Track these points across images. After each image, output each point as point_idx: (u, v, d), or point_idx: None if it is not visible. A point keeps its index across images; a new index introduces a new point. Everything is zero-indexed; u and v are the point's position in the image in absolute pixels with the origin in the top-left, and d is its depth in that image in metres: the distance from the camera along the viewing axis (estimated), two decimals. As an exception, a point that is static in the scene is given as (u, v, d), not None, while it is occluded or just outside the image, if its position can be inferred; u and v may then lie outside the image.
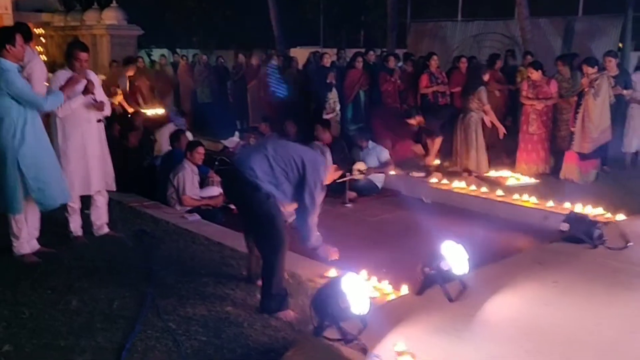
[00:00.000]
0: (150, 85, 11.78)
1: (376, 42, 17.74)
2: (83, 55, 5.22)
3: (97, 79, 5.61)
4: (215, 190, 6.94)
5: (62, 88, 4.98)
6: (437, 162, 8.57)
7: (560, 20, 15.89)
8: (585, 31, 15.54)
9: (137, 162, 7.76)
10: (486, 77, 8.39)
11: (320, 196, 4.12)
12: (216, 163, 7.29)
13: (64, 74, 5.17)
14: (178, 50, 18.64)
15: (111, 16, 15.42)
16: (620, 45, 15.30)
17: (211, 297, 4.18)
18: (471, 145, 8.12)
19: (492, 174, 8.25)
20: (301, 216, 4.14)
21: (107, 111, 5.51)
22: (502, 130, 8.32)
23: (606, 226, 5.36)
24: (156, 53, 19.61)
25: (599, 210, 6.27)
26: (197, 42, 20.48)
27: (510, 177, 8.21)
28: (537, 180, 8.05)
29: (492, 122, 8.29)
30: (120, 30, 15.44)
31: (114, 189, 5.83)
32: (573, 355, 3.27)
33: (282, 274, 4.11)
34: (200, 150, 6.70)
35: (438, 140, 8.30)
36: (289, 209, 4.20)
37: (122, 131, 8.32)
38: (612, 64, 8.42)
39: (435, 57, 9.86)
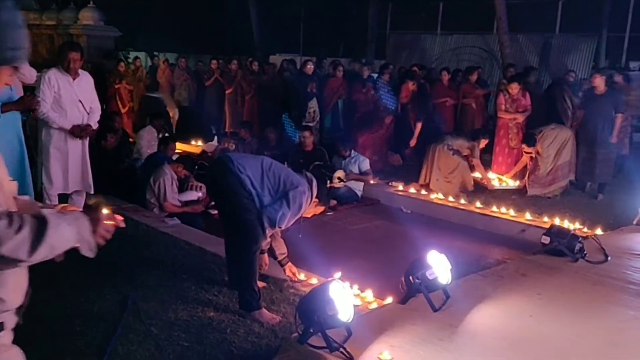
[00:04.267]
0: (130, 89, 11.68)
1: (355, 52, 17.80)
2: (74, 55, 5.18)
3: (90, 80, 5.55)
4: (194, 194, 6.90)
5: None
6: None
7: (538, 36, 16.17)
8: (562, 48, 15.85)
9: (115, 164, 7.63)
10: (482, 144, 8.29)
11: (291, 222, 4.15)
12: (196, 167, 7.20)
13: (55, 74, 5.13)
14: (158, 53, 18.47)
15: (88, 16, 15.20)
16: (594, 63, 15.62)
17: (193, 302, 4.12)
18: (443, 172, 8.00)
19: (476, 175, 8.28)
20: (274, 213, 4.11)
21: (94, 119, 5.49)
22: (491, 186, 8.22)
23: (586, 240, 5.43)
24: (133, 56, 19.43)
25: (577, 225, 6.35)
26: (176, 46, 20.34)
27: (495, 179, 8.37)
28: (519, 183, 8.18)
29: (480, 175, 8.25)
30: (97, 31, 15.23)
31: (92, 192, 5.74)
32: (557, 367, 3.29)
33: (256, 271, 4.10)
34: (181, 169, 6.66)
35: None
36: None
37: (99, 133, 8.19)
38: (597, 81, 8.05)
39: (416, 69, 9.97)
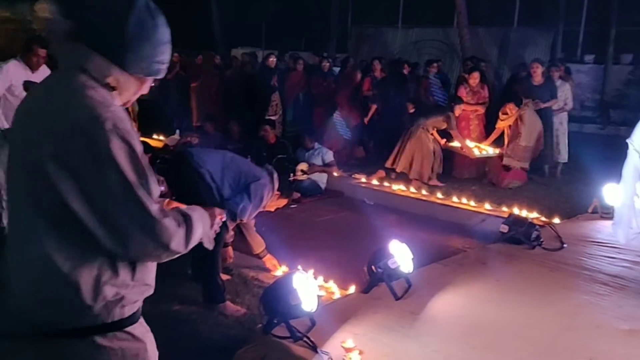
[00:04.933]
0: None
1: (318, 45, 17.84)
2: (41, 51, 5.13)
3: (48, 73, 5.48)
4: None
5: None
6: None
7: (497, 30, 16.45)
8: (520, 42, 16.17)
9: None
10: (457, 112, 8.36)
11: (253, 214, 4.18)
12: (158, 161, 7.12)
13: (15, 66, 5.05)
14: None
15: (43, 9, 14.86)
16: (551, 57, 15.97)
17: (158, 296, 4.06)
18: (419, 153, 8.13)
19: (455, 145, 8.41)
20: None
21: None
22: (472, 154, 8.36)
23: (543, 228, 5.57)
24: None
25: (535, 214, 6.50)
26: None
27: (474, 147, 8.45)
28: (499, 150, 8.25)
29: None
30: (54, 24, 14.90)
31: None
32: (515, 350, 3.38)
33: (219, 264, 4.11)
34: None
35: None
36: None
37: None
38: (537, 72, 8.50)
39: (377, 62, 10.04)
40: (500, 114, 8.11)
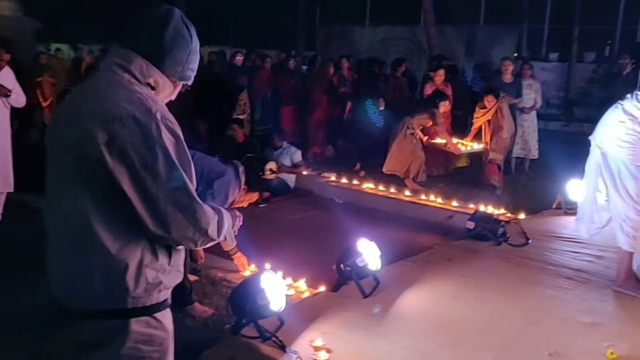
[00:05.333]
0: (53, 83, 11.26)
1: (286, 43, 17.80)
2: (6, 56, 5.07)
3: (10, 73, 5.42)
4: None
5: None
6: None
7: (464, 28, 16.62)
8: (486, 40, 16.37)
9: (38, 160, 7.37)
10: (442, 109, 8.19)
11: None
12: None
13: None
14: (82, 45, 17.87)
15: (4, 7, 14.56)
16: (516, 55, 16.19)
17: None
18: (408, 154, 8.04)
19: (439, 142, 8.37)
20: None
21: (19, 102, 5.34)
22: (458, 150, 8.34)
23: (508, 224, 5.66)
24: (54, 47, 18.72)
25: (501, 210, 6.59)
26: (101, 37, 19.68)
27: (458, 143, 8.40)
28: (483, 145, 8.17)
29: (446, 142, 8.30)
30: (14, 22, 14.60)
31: (12, 190, 5.55)
32: (482, 345, 3.43)
33: (186, 264, 4.08)
34: None
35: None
36: None
37: (21, 128, 7.91)
38: (508, 69, 8.59)
39: (344, 60, 10.08)
40: (477, 108, 8.10)
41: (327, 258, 4.47)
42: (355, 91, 9.57)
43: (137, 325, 1.75)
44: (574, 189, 5.92)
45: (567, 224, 5.90)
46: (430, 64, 10.55)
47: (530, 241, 5.37)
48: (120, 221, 1.69)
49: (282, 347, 3.25)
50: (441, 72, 8.67)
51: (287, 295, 3.60)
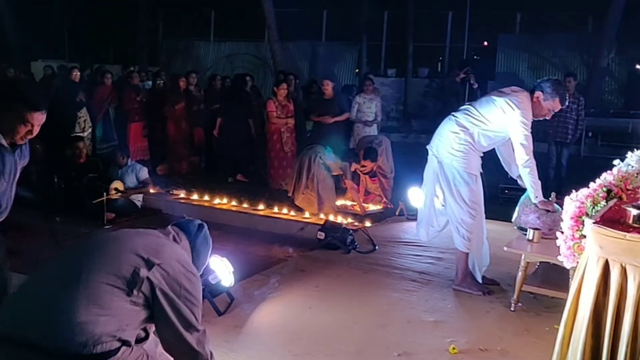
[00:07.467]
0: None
1: (127, 58, 17.19)
2: None
3: None
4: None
5: None
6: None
7: (306, 44, 17.09)
8: (328, 56, 16.96)
9: None
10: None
11: None
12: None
13: None
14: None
15: None
16: (357, 70, 16.94)
17: None
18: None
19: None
20: None
21: None
22: (363, 211, 7.33)
23: (356, 233, 5.88)
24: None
25: (349, 220, 6.82)
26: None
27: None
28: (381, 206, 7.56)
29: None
30: None
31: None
32: (336, 352, 3.53)
33: None
34: None
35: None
36: None
37: None
38: (328, 87, 8.73)
39: (193, 75, 9.96)
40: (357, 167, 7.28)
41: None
42: (226, 107, 9.41)
43: None
44: (415, 195, 6.26)
45: (409, 229, 6.25)
46: (277, 78, 10.74)
47: (377, 247, 5.62)
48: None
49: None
50: (283, 86, 8.82)
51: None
